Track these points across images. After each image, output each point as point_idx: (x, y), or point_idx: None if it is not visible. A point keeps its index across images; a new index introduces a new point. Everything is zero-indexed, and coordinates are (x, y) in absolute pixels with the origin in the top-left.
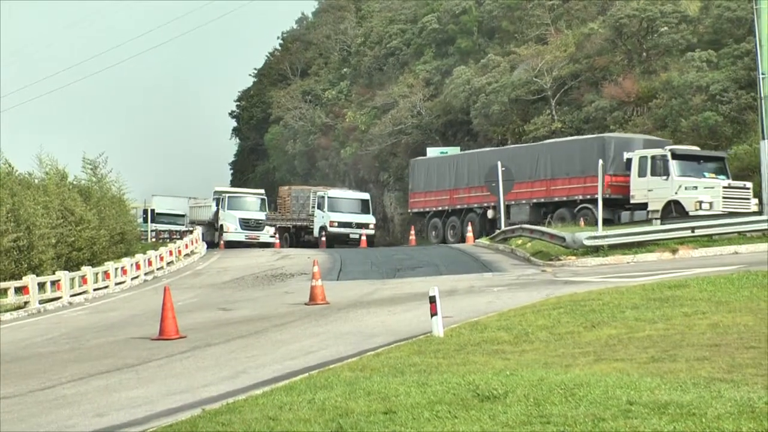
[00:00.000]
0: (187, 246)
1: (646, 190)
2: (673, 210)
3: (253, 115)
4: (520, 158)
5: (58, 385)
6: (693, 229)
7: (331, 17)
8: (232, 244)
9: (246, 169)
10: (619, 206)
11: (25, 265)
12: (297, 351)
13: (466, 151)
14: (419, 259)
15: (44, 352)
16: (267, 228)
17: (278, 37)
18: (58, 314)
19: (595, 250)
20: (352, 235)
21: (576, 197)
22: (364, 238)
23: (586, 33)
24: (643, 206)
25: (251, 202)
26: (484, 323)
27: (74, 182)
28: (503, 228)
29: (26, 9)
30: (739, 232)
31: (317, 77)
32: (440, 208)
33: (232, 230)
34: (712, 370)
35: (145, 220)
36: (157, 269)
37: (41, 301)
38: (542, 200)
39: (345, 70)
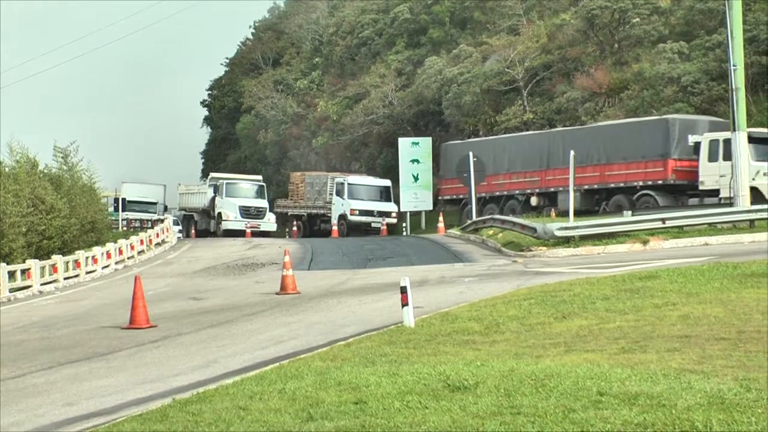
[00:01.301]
0: (158, 235)
1: (717, 175)
2: (749, 197)
3: (224, 105)
4: (570, 142)
5: (27, 374)
6: (664, 220)
7: (303, 6)
8: (231, 233)
9: (217, 158)
10: (685, 192)
11: None
12: (268, 340)
13: (507, 135)
14: (390, 249)
15: (14, 341)
16: (268, 216)
17: (250, 27)
18: (28, 303)
19: (566, 241)
20: (374, 224)
21: (635, 183)
22: (384, 227)
23: (558, 24)
24: (714, 193)
25: (250, 189)
26: (454, 314)
27: (45, 171)
28: (474, 218)
29: None
30: (709, 224)
31: (289, 67)
32: (477, 195)
33: (232, 218)
34: (682, 361)
35: (116, 209)
36: (128, 258)
37: (11, 290)
38: (595, 186)
39: (317, 59)
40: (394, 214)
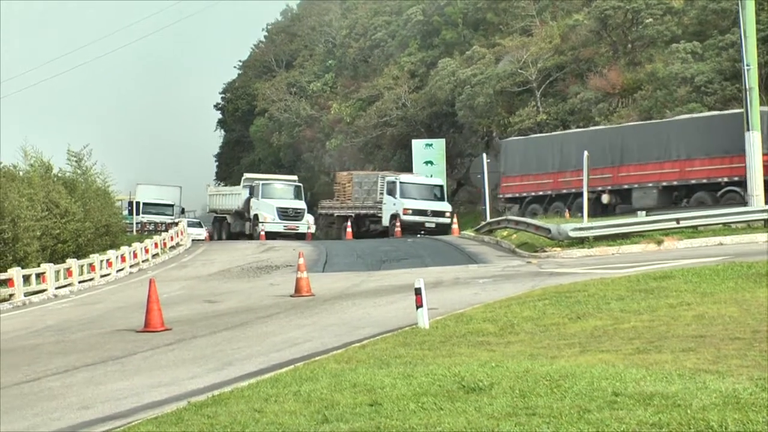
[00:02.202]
0: (172, 238)
1: None
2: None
3: (238, 108)
4: (646, 137)
5: (43, 378)
6: (678, 220)
7: (316, 9)
8: (270, 235)
9: (231, 161)
10: None
11: (10, 258)
12: (282, 343)
13: (574, 130)
14: (405, 250)
15: (29, 345)
16: (307, 217)
17: (263, 30)
18: (43, 307)
19: (581, 242)
20: (427, 224)
21: (719, 179)
22: (398, 228)
23: (571, 24)
24: None
25: (287, 189)
26: (469, 315)
27: (59, 174)
28: (488, 219)
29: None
30: (724, 224)
31: (302, 69)
32: (541, 193)
33: (270, 220)
34: (697, 361)
35: (130, 212)
36: (143, 261)
37: (26, 294)
38: (674, 183)
39: (330, 62)
40: (447, 214)
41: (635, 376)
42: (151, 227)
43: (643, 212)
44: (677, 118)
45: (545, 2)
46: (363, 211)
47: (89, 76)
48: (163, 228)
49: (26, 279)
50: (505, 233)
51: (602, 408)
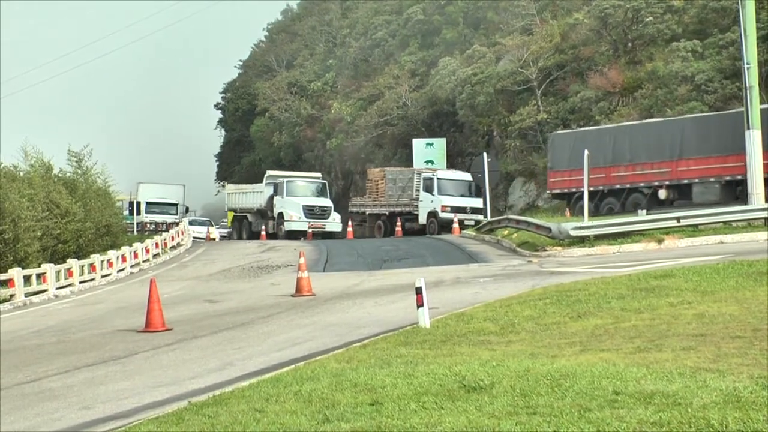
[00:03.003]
0: (173, 238)
1: None
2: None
3: (238, 107)
4: (707, 128)
5: (44, 378)
6: (679, 219)
7: (316, 8)
8: (294, 234)
9: (232, 160)
10: None
11: (11, 258)
12: (283, 342)
13: (628, 123)
14: (405, 250)
15: (30, 345)
16: (333, 215)
17: (264, 29)
18: (44, 307)
19: (581, 241)
20: (466, 222)
21: None
22: (399, 227)
23: (571, 23)
24: None
25: (312, 187)
26: (470, 314)
27: (59, 175)
28: (489, 218)
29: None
30: (724, 222)
31: (303, 69)
32: (591, 188)
33: (295, 218)
34: (697, 359)
35: (131, 213)
36: (143, 261)
37: (27, 294)
38: (738, 177)
39: (330, 61)
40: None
41: (636, 374)
42: (152, 227)
43: (644, 211)
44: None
45: (545, 1)
46: (397, 209)
47: (89, 76)
48: (164, 228)
49: (27, 279)
50: (505, 232)
51: (603, 407)
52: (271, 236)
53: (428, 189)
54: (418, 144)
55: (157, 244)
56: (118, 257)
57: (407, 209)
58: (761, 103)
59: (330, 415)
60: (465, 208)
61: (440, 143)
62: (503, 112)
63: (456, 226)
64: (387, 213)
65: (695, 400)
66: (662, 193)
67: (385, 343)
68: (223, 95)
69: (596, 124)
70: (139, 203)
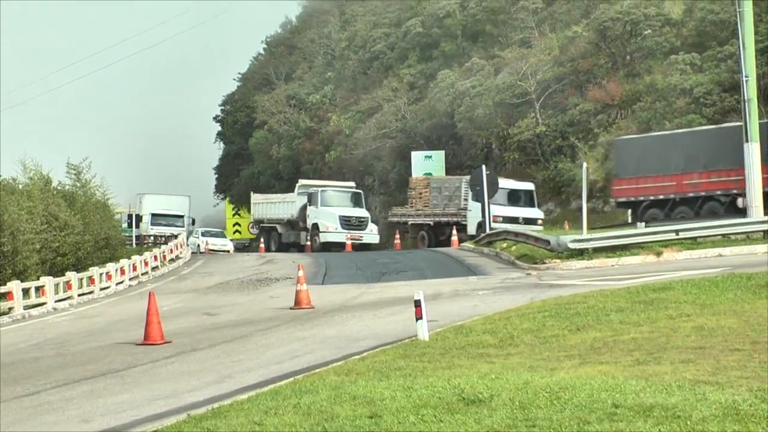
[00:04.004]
0: (171, 251)
1: None
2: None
3: (237, 120)
4: None
5: (43, 391)
6: (677, 231)
7: (315, 21)
8: (329, 246)
9: (230, 173)
10: None
11: (10, 271)
12: (282, 355)
13: (704, 127)
14: (404, 263)
15: (29, 358)
16: (371, 226)
17: (263, 42)
18: (42, 320)
19: (580, 254)
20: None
21: None
22: (398, 241)
23: (570, 36)
24: None
25: (347, 196)
26: (469, 327)
27: (58, 187)
28: (488, 231)
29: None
30: (723, 235)
31: (301, 81)
32: (662, 197)
33: (332, 229)
34: (697, 372)
35: (130, 225)
36: (142, 274)
37: (26, 307)
38: None
39: (329, 74)
40: (540, 221)
41: (635, 387)
42: (151, 240)
43: (643, 224)
44: None
45: (544, 14)
46: (443, 219)
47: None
48: (163, 241)
49: (26, 292)
50: (504, 245)
51: (602, 420)
52: (302, 248)
53: (478, 198)
54: (417, 156)
55: (155, 257)
56: (116, 270)
57: (454, 219)
58: (759, 115)
59: (329, 428)
60: (518, 218)
61: (439, 156)
62: (502, 124)
63: (455, 238)
64: (431, 223)
65: (694, 413)
66: (740, 202)
67: (384, 356)
68: (222, 108)
69: (595, 137)
70: (139, 216)
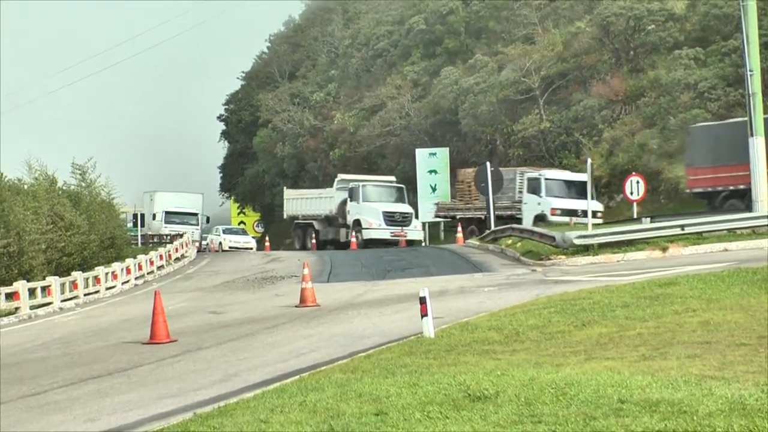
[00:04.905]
0: (177, 250)
1: None
2: None
3: (241, 119)
4: None
5: (49, 391)
6: (683, 226)
7: (319, 19)
8: (372, 242)
9: (235, 172)
10: None
11: (16, 271)
12: (288, 353)
13: None
14: (409, 260)
15: (35, 358)
16: (415, 222)
17: (266, 40)
18: (49, 320)
19: (585, 249)
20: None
21: None
22: (404, 238)
23: (573, 32)
24: None
25: (390, 191)
26: (474, 323)
27: (63, 188)
28: (493, 228)
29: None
30: (729, 230)
31: (305, 80)
32: (742, 186)
33: (375, 226)
34: (703, 367)
35: (135, 225)
36: (148, 273)
37: (32, 307)
38: None
39: (333, 72)
40: (599, 214)
41: (641, 383)
42: (156, 240)
43: (648, 219)
44: None
45: (547, 10)
46: (496, 212)
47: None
48: (168, 240)
49: (32, 292)
50: (509, 242)
51: (608, 415)
52: (344, 245)
53: (534, 190)
54: (422, 154)
55: (161, 256)
56: (122, 269)
57: (508, 212)
58: (764, 109)
59: (335, 426)
60: (576, 210)
61: (443, 153)
62: (506, 121)
63: (460, 235)
64: (483, 216)
65: (700, 408)
66: None
67: (390, 353)
68: (226, 107)
69: (600, 133)
70: (139, 216)
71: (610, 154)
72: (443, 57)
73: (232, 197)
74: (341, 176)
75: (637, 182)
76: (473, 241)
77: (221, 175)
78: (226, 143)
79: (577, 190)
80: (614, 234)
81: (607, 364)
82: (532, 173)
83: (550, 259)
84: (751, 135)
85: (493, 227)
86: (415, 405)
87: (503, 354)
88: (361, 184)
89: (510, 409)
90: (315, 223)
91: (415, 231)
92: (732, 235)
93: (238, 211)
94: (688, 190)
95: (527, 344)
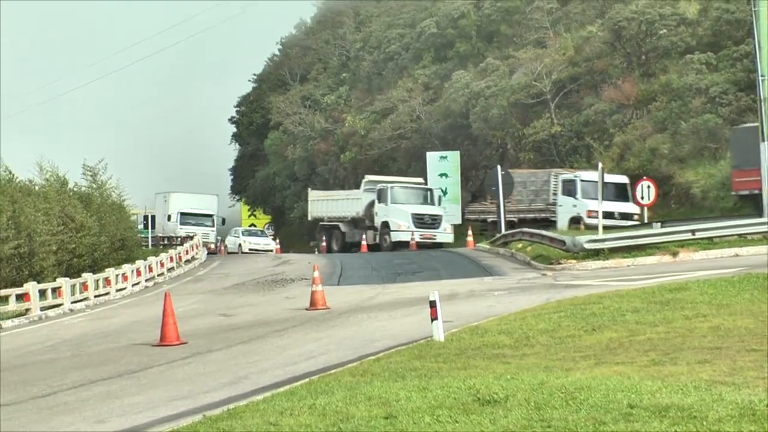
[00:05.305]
0: (187, 252)
1: None
2: None
3: (252, 121)
4: None
5: (59, 392)
6: (693, 231)
7: (330, 22)
8: (401, 245)
9: (246, 174)
10: None
11: (26, 272)
12: (298, 356)
13: None
14: (419, 263)
15: (45, 359)
16: (444, 224)
17: (277, 43)
18: (59, 321)
19: (596, 254)
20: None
21: None
22: (413, 242)
23: (584, 36)
24: None
25: (420, 193)
26: (484, 327)
27: (74, 189)
28: (503, 232)
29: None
30: (739, 235)
31: (316, 82)
32: None
33: (404, 228)
34: (713, 373)
35: (146, 226)
36: (158, 275)
37: (42, 308)
38: None
39: (344, 75)
40: (636, 216)
41: (651, 388)
42: (165, 241)
43: (658, 223)
44: None
45: (559, 14)
46: (529, 215)
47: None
48: (178, 242)
49: (42, 293)
50: (520, 245)
51: (618, 420)
52: (373, 247)
53: (569, 192)
54: (432, 157)
55: (171, 258)
56: (132, 271)
57: (542, 215)
58: None
59: (344, 429)
60: (613, 213)
61: (454, 156)
62: (517, 125)
63: (470, 239)
64: (516, 219)
65: (710, 414)
66: None
67: (400, 357)
68: (237, 109)
69: (611, 137)
70: (151, 217)
71: (621, 158)
72: (455, 60)
73: (243, 199)
74: (369, 177)
75: (648, 187)
76: (483, 245)
77: (232, 177)
78: (237, 146)
79: (615, 191)
80: (625, 239)
81: (617, 369)
82: (566, 175)
83: (560, 263)
84: (762, 140)
85: (503, 231)
86: (424, 409)
87: (513, 358)
88: (389, 185)
89: (519, 414)
90: (341, 225)
91: (444, 234)
92: (743, 240)
93: (249, 213)
94: (733, 193)
95: (537, 348)
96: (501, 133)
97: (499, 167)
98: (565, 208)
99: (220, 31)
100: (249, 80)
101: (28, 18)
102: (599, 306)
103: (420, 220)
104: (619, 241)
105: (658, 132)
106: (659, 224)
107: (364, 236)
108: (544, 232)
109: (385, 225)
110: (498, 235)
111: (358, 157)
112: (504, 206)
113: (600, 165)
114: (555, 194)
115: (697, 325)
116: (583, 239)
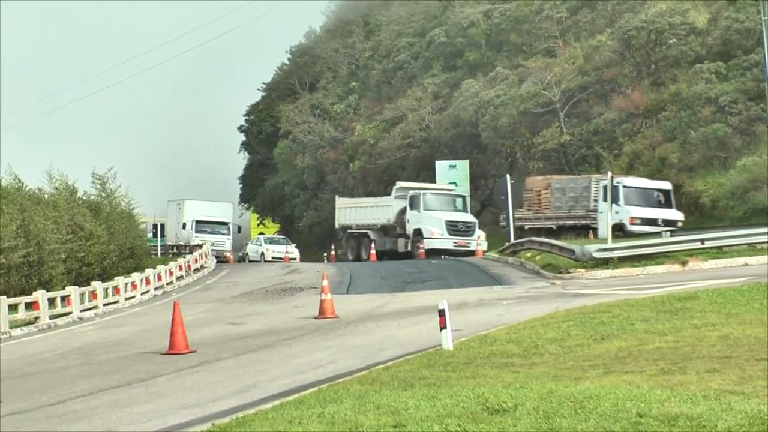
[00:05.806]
0: (196, 261)
1: None
2: None
3: (261, 130)
4: None
5: (68, 400)
6: (703, 240)
7: (339, 31)
8: (434, 252)
9: (255, 183)
10: None
11: (36, 281)
12: (307, 365)
13: None
14: (428, 272)
15: (54, 368)
16: (478, 232)
17: (287, 52)
18: (68, 329)
19: (605, 263)
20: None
21: None
22: (422, 250)
23: (594, 45)
24: None
25: (453, 200)
26: (493, 336)
27: (84, 197)
28: (513, 241)
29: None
30: (749, 244)
31: (325, 91)
32: None
33: (438, 236)
34: (722, 382)
35: (155, 235)
36: (167, 284)
37: (51, 317)
38: None
39: (353, 83)
40: (680, 224)
41: (660, 397)
42: (174, 250)
43: (668, 232)
44: None
45: (568, 23)
46: (569, 222)
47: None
48: (187, 251)
49: (51, 302)
50: (529, 254)
51: (627, 429)
52: (405, 255)
53: (614, 199)
54: (441, 166)
55: (180, 267)
56: (142, 280)
57: (582, 222)
58: None
59: None
60: (656, 220)
61: (463, 165)
62: (526, 134)
63: (480, 248)
64: (554, 227)
65: (720, 423)
66: None
67: (409, 366)
68: (247, 118)
69: (620, 146)
70: (159, 225)
71: (631, 167)
72: (464, 69)
73: (252, 208)
74: (400, 184)
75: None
76: (493, 254)
77: (241, 185)
78: (246, 154)
79: (658, 198)
80: (634, 248)
81: (626, 378)
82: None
83: (569, 273)
84: None
85: (512, 240)
86: (433, 417)
87: (522, 367)
88: (422, 192)
89: (528, 423)
90: (370, 233)
91: (476, 242)
92: (752, 249)
93: (258, 222)
94: None
95: (546, 357)
96: (510, 142)
97: (508, 176)
98: (607, 215)
99: (230, 41)
100: (258, 89)
101: (36, 26)
102: (608, 315)
103: (454, 228)
104: (628, 250)
105: (668, 141)
106: (668, 233)
107: (406, 243)
108: (553, 241)
109: (418, 232)
110: (507, 244)
111: (367, 166)
112: (513, 215)
113: (609, 174)
114: (596, 200)
115: (706, 335)
116: (593, 248)
